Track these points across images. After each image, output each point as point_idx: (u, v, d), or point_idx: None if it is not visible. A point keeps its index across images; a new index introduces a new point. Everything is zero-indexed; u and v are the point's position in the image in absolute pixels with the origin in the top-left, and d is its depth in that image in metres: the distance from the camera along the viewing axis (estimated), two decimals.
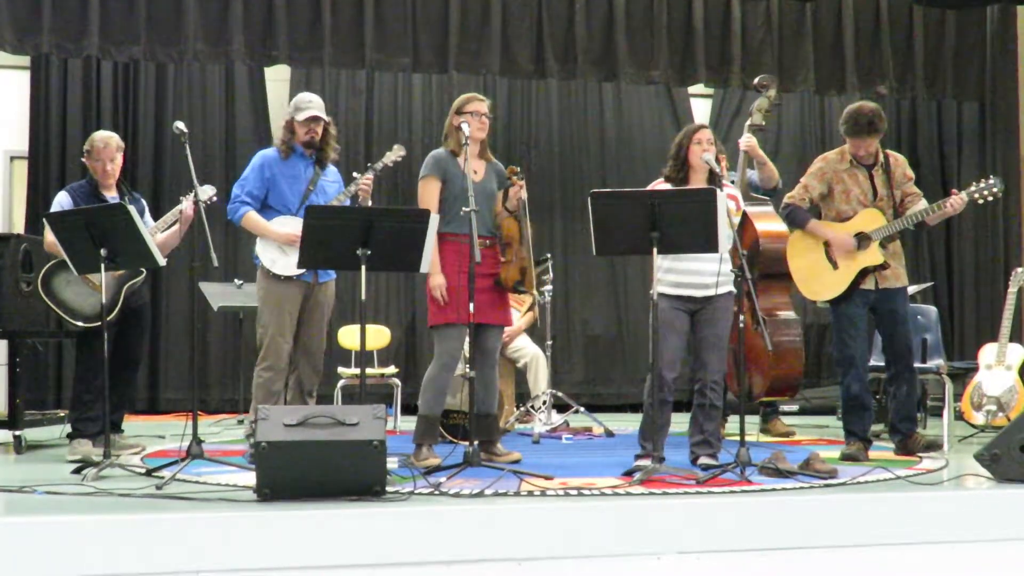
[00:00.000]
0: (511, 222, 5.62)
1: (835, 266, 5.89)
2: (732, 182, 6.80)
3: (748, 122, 7.03)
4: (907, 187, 5.97)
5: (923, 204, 5.90)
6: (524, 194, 5.61)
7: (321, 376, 5.91)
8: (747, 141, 6.86)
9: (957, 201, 5.77)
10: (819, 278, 5.96)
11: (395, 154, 5.87)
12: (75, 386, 6.18)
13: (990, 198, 5.83)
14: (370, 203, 5.76)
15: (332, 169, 5.94)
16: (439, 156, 5.68)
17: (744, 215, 6.79)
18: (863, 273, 5.84)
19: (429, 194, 5.63)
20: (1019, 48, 10.48)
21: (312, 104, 5.78)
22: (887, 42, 10.16)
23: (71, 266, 5.25)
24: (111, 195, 6.00)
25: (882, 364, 6.16)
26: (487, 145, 5.80)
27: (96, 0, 8.67)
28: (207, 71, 9.55)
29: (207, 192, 5.90)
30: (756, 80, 7.33)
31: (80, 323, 5.86)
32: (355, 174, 5.78)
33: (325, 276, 5.80)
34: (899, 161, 6.04)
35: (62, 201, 5.92)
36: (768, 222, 6.90)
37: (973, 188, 5.82)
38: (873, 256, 5.83)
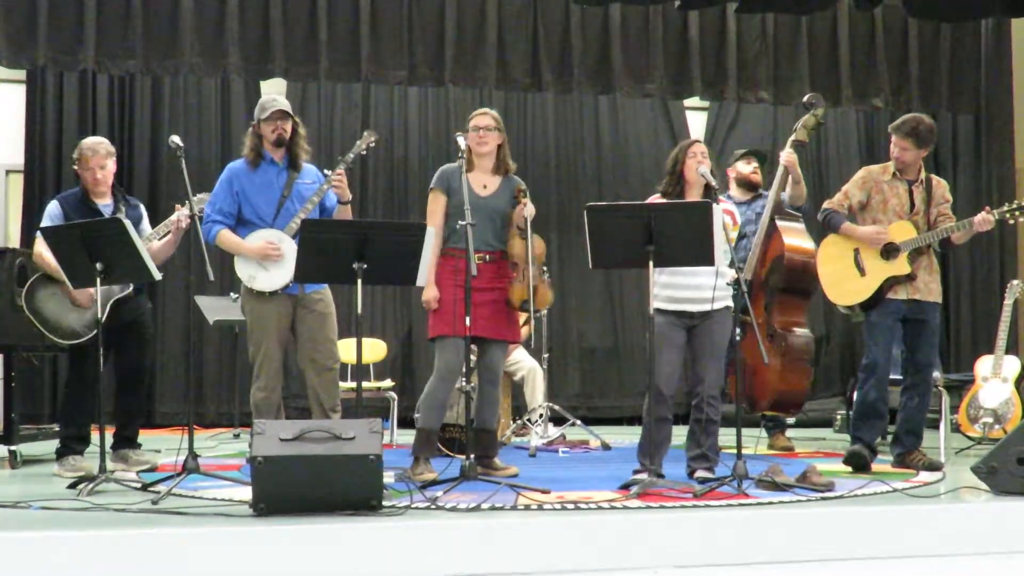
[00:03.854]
0: (518, 241, 5.60)
1: (863, 273, 5.92)
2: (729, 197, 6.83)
3: (792, 138, 6.96)
4: (942, 208, 6.02)
5: (951, 223, 5.93)
6: (527, 212, 5.57)
7: (338, 389, 5.73)
8: (788, 156, 6.78)
9: (983, 220, 5.78)
10: (846, 283, 6.00)
11: (365, 141, 5.75)
12: (65, 401, 6.11)
13: (1021, 219, 5.84)
14: (348, 196, 5.60)
15: (309, 170, 5.75)
16: (446, 169, 5.65)
17: (774, 227, 6.82)
18: (890, 282, 5.86)
19: (434, 208, 5.62)
20: (1014, 61, 10.51)
21: (277, 101, 5.67)
22: (882, 55, 10.17)
23: (67, 280, 5.24)
24: (104, 203, 5.93)
25: (899, 378, 6.16)
26: (503, 160, 5.70)
27: (92, 14, 8.67)
28: (203, 85, 9.56)
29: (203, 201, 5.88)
30: (805, 98, 7.22)
31: (59, 339, 5.78)
32: (326, 171, 5.65)
33: (312, 286, 5.62)
34: (941, 184, 6.10)
35: (52, 212, 5.85)
36: (796, 237, 6.90)
37: (1005, 208, 5.84)
38: (900, 266, 5.86)
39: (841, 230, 6.00)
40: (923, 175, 6.01)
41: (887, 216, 5.94)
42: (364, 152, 5.82)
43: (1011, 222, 5.88)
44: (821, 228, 6.19)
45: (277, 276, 5.52)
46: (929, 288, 5.95)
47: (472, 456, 5.04)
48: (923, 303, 5.92)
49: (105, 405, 6.30)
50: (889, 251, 5.88)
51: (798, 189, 6.86)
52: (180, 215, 5.79)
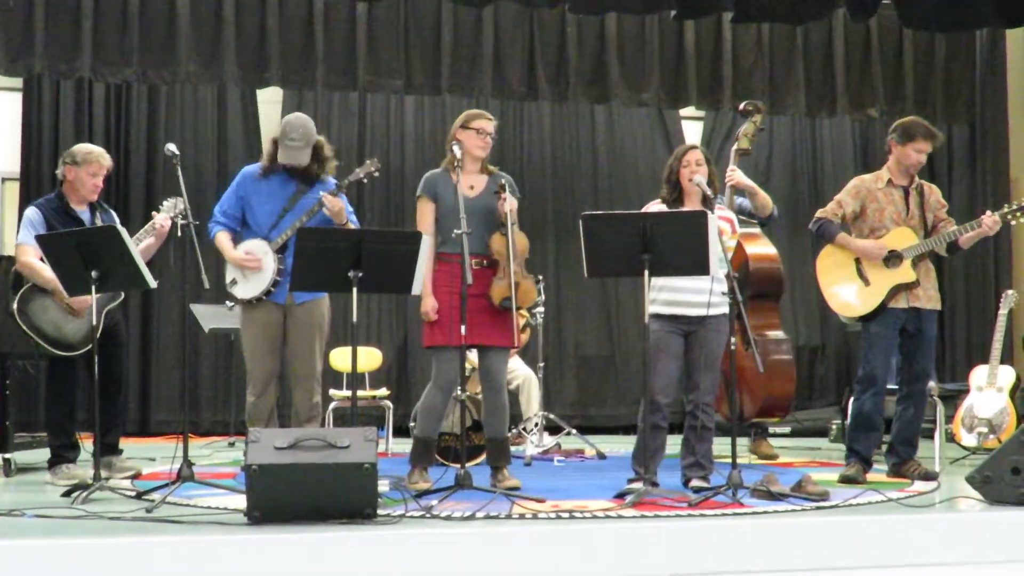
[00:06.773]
0: (499, 237, 5.51)
1: (867, 282, 5.90)
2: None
3: (734, 147, 6.96)
4: (940, 213, 6.02)
5: (954, 227, 5.92)
6: (507, 207, 5.49)
7: (316, 402, 5.73)
8: (730, 174, 6.65)
9: (990, 221, 5.79)
10: (851, 294, 5.95)
11: (366, 169, 5.79)
12: (50, 413, 6.06)
13: (1023, 219, 5.85)
14: (343, 221, 5.60)
15: (323, 186, 5.73)
16: (431, 176, 5.58)
17: None
18: (895, 290, 5.85)
19: (422, 215, 5.55)
20: (1008, 71, 10.53)
21: (296, 138, 5.62)
22: (877, 65, 10.19)
23: (62, 287, 5.23)
24: (81, 209, 5.90)
25: (895, 388, 6.15)
26: (487, 159, 5.63)
27: (89, 22, 8.67)
28: (199, 93, 9.56)
29: (178, 206, 5.84)
30: (741, 106, 7.28)
31: (60, 352, 5.75)
32: (322, 193, 5.64)
33: (303, 296, 5.63)
34: (933, 189, 6.10)
35: (32, 217, 5.80)
36: (757, 244, 6.92)
37: (1006, 209, 5.86)
38: (905, 273, 5.84)
39: (837, 240, 5.97)
40: (916, 181, 6.01)
41: (884, 223, 5.92)
42: (364, 179, 5.86)
43: (1013, 223, 5.89)
44: (814, 239, 6.15)
45: (254, 285, 5.60)
46: (928, 295, 5.93)
47: (466, 465, 5.03)
48: (923, 311, 5.90)
49: (83, 414, 6.33)
50: (891, 259, 5.88)
51: (758, 200, 6.66)
52: (159, 220, 5.80)
